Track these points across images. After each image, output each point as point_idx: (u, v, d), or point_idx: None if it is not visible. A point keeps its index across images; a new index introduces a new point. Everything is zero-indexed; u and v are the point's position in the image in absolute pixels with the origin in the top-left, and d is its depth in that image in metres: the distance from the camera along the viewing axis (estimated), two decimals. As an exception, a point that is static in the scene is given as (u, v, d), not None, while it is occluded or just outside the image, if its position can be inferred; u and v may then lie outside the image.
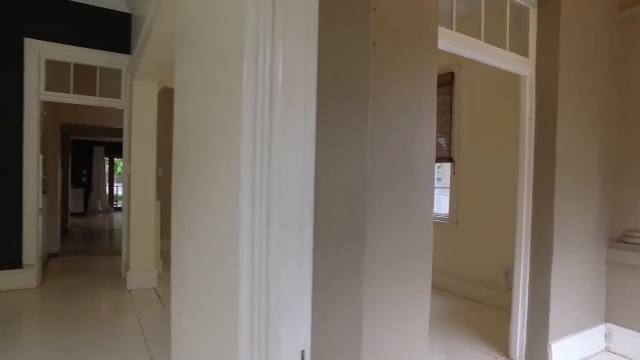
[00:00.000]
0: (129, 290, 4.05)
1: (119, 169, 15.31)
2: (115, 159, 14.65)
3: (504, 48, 2.46)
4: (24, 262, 4.02)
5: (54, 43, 4.08)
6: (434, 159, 1.93)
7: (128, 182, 4.26)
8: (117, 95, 4.45)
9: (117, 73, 4.46)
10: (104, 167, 13.88)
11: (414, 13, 1.70)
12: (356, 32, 1.41)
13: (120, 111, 4.60)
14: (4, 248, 3.92)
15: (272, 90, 0.87)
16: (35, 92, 4.02)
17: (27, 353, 2.70)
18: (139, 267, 4.13)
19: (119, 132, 9.73)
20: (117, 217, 12.33)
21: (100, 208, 13.51)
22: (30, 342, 2.88)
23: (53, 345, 2.80)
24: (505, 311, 3.57)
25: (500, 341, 2.94)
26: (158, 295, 3.95)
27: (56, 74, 4.18)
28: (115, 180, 14.74)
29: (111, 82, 4.44)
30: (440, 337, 3.07)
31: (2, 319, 3.26)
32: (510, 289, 2.75)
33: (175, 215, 1.86)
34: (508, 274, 3.63)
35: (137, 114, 4.07)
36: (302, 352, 0.89)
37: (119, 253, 6.18)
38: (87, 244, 7.18)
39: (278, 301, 0.85)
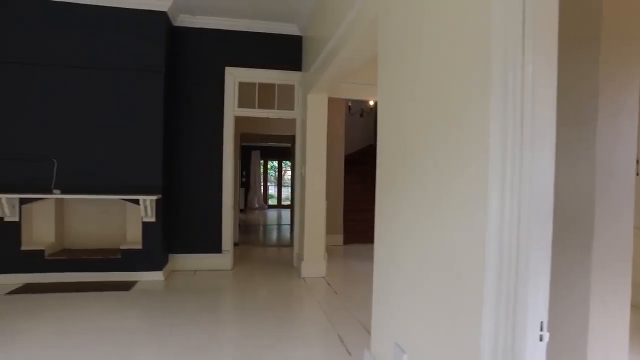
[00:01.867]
0: (303, 278, 4.66)
1: (270, 171, 17.14)
2: (268, 161, 16.45)
3: None
4: (223, 248, 4.96)
5: (244, 68, 4.95)
6: (635, 162, 1.88)
7: (302, 183, 4.90)
8: (290, 107, 5.16)
9: (290, 88, 5.17)
10: (260, 168, 15.70)
11: (622, 17, 1.72)
12: (585, 46, 1.51)
13: (275, 119, 5.44)
14: (211, 236, 4.93)
15: (523, 107, 1.07)
16: (231, 109, 4.94)
17: (237, 317, 3.48)
18: (311, 258, 4.71)
19: (272, 137, 10.98)
20: (270, 213, 13.89)
21: (256, 205, 15.32)
22: (236, 311, 3.70)
23: (253, 316, 3.43)
24: None
25: None
26: (328, 284, 4.46)
27: (245, 92, 5.05)
28: (268, 180, 16.55)
29: (285, 96, 5.17)
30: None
31: (214, 291, 4.19)
32: None
33: (381, 211, 2.20)
34: None
35: (311, 123, 4.67)
36: (541, 322, 1.08)
37: (284, 245, 7.07)
38: (253, 236, 8.33)
39: (527, 280, 1.05)
